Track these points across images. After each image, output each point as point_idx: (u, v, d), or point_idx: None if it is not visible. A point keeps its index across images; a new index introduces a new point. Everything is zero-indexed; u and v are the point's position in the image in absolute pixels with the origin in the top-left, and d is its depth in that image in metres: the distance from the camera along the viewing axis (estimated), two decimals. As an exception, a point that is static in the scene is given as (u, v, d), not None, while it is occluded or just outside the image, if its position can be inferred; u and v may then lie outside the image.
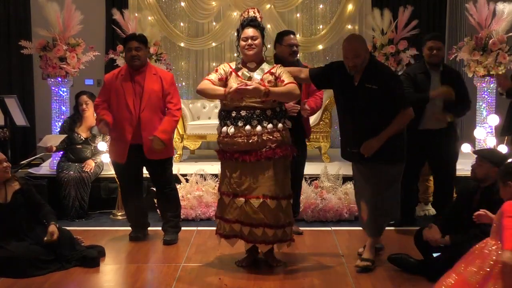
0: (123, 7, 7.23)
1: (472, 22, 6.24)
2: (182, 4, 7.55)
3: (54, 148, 5.52)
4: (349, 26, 7.51)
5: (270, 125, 3.78)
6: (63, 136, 5.57)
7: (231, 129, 3.79)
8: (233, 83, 3.79)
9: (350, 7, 7.45)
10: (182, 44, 7.64)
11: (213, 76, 3.90)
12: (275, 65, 3.98)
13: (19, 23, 7.65)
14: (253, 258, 4.07)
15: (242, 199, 3.82)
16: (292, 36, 4.63)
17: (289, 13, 7.72)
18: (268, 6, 7.37)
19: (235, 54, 4.28)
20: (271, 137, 3.78)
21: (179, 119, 4.62)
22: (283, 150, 3.83)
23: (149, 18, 7.37)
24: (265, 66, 3.93)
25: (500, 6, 6.04)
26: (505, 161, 3.80)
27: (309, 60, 7.82)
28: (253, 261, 4.06)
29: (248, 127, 3.76)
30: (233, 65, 3.98)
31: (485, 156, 3.75)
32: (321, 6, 7.75)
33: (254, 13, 4.02)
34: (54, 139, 5.59)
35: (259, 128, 3.75)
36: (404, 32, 6.71)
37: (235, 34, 4.04)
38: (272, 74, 3.87)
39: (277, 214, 3.81)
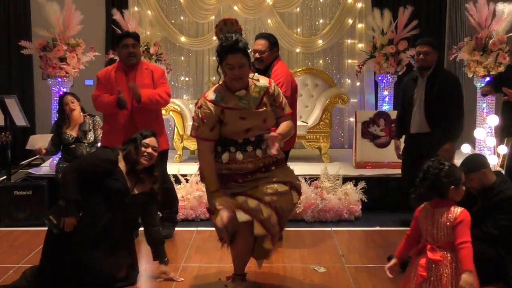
0: (123, 7, 7.24)
1: (472, 22, 6.24)
2: (182, 2, 7.53)
3: (44, 151, 5.49)
4: (350, 20, 7.52)
5: (276, 144, 3.37)
6: (49, 136, 5.56)
7: (239, 155, 3.34)
8: (232, 119, 3.33)
9: (349, 0, 7.47)
10: (182, 41, 7.62)
11: (206, 132, 3.33)
12: (266, 80, 3.48)
13: (19, 23, 7.64)
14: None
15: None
16: (256, 41, 4.43)
17: (289, 12, 7.70)
18: (269, 2, 7.37)
19: (213, 78, 3.67)
20: (278, 156, 3.46)
21: (163, 100, 4.54)
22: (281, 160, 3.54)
23: (149, 19, 7.37)
24: (257, 88, 3.40)
25: (500, 6, 6.05)
26: (482, 160, 3.82)
27: (309, 59, 7.81)
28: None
29: (258, 151, 3.37)
30: (212, 96, 3.35)
31: (468, 170, 3.65)
32: (320, 7, 7.73)
33: (232, 24, 3.73)
34: (40, 139, 5.57)
35: (269, 150, 3.33)
36: (404, 32, 6.72)
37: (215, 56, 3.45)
38: (269, 95, 3.43)
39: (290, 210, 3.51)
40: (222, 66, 3.34)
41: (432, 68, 4.69)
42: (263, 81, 3.48)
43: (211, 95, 3.38)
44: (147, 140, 3.71)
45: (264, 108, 3.40)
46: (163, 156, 4.66)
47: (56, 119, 6.35)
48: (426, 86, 4.69)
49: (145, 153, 3.69)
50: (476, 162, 3.81)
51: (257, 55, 4.39)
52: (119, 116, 4.48)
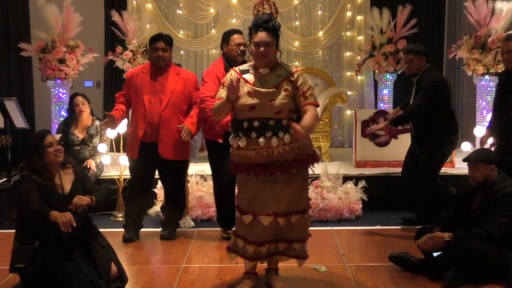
0: (122, 8, 7.23)
1: (471, 21, 6.25)
2: (181, 5, 7.54)
3: None
4: (348, 26, 7.51)
5: (287, 136, 3.34)
6: (57, 136, 5.55)
7: (243, 142, 3.37)
8: (241, 91, 3.39)
9: (348, 7, 7.42)
10: (181, 46, 7.63)
11: (223, 94, 3.46)
12: (294, 70, 3.50)
13: (18, 25, 7.63)
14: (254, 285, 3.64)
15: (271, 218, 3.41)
16: (239, 35, 4.56)
17: (288, 14, 7.70)
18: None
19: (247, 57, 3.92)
20: (288, 149, 3.37)
21: (199, 109, 4.50)
22: (302, 162, 3.45)
23: (148, 19, 7.37)
24: (281, 71, 3.46)
25: (498, 4, 6.06)
26: (495, 156, 3.85)
27: (308, 61, 7.81)
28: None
29: (261, 139, 3.33)
30: (240, 67, 3.57)
31: (478, 159, 3.77)
32: (319, 5, 7.72)
33: (269, 7, 3.74)
34: None
35: (274, 140, 3.32)
36: (403, 31, 6.72)
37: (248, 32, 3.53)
38: (291, 81, 3.41)
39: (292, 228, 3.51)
40: (250, 43, 3.45)
41: (420, 73, 4.72)
42: (291, 68, 3.53)
43: (241, 66, 3.58)
44: (48, 140, 3.60)
45: (274, 89, 3.39)
46: (183, 165, 4.72)
47: (56, 120, 6.36)
48: (414, 91, 4.78)
49: (54, 152, 3.59)
50: (490, 154, 3.89)
51: (241, 47, 4.49)
52: (140, 121, 4.49)
